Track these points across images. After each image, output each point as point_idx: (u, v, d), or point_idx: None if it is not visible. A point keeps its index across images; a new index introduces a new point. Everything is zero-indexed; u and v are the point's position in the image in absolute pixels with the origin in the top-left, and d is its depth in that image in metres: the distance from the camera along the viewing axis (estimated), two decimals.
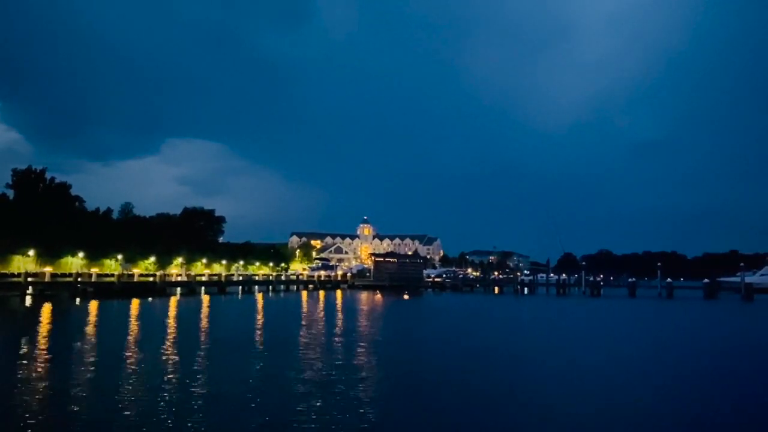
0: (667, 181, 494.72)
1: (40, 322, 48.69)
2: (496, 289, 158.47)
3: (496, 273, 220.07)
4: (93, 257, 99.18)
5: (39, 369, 26.43)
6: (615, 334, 51.22)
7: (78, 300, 76.75)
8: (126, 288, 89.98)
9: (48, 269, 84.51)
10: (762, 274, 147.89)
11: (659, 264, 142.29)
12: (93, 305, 67.42)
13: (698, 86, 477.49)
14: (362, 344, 37.86)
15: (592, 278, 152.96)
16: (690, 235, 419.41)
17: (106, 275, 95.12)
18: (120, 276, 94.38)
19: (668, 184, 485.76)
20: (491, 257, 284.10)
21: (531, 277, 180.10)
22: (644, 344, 43.29)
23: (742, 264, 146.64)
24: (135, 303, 71.95)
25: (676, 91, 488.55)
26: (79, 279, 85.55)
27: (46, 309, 61.12)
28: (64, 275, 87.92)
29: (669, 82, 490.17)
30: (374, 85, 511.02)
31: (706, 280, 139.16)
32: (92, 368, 27.04)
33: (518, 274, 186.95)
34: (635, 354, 37.04)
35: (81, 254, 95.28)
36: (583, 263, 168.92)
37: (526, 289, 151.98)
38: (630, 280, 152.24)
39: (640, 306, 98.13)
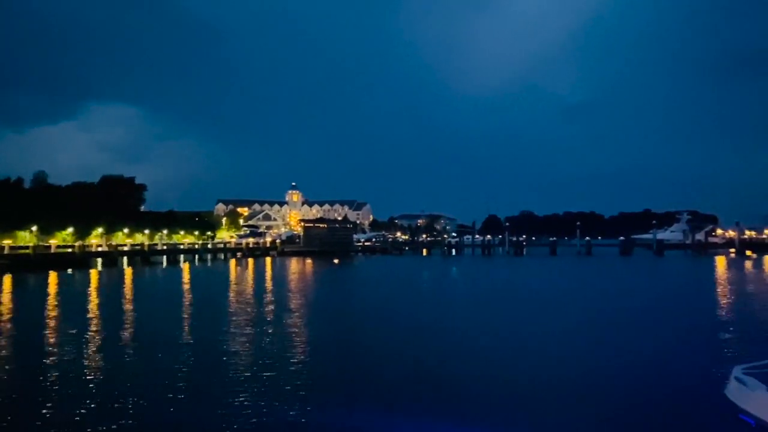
0: (586, 143, 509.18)
1: None
2: (425, 251, 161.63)
3: (424, 236, 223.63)
4: (3, 229, 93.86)
5: None
6: (531, 292, 53.54)
7: None
8: (43, 260, 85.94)
9: None
10: (672, 230, 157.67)
11: (578, 223, 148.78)
12: (6, 279, 64.24)
13: (615, 51, 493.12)
14: (294, 313, 37.97)
15: (515, 238, 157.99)
16: (607, 195, 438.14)
17: (21, 247, 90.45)
18: (35, 248, 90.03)
19: (587, 147, 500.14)
20: (419, 220, 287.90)
21: (458, 239, 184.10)
22: (556, 301, 45.56)
23: (654, 222, 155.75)
24: (53, 276, 69.01)
25: (595, 56, 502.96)
26: None
27: None
28: None
29: (590, 47, 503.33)
30: (301, 46, 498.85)
31: (621, 238, 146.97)
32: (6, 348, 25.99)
33: (446, 236, 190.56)
34: (548, 310, 39.06)
35: None
36: (507, 224, 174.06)
37: (453, 250, 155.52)
38: (551, 239, 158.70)
39: (560, 263, 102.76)
